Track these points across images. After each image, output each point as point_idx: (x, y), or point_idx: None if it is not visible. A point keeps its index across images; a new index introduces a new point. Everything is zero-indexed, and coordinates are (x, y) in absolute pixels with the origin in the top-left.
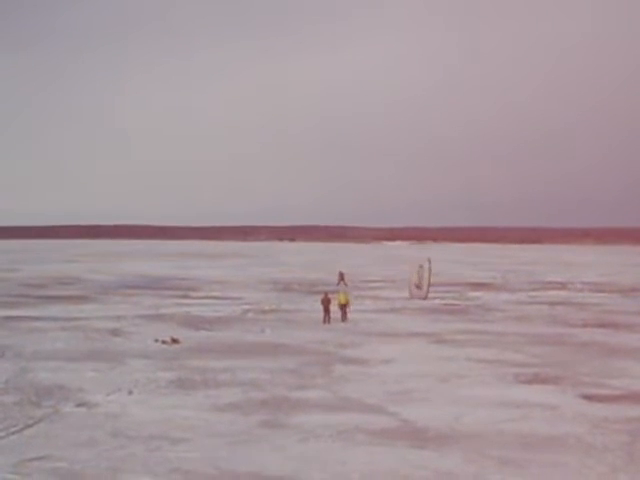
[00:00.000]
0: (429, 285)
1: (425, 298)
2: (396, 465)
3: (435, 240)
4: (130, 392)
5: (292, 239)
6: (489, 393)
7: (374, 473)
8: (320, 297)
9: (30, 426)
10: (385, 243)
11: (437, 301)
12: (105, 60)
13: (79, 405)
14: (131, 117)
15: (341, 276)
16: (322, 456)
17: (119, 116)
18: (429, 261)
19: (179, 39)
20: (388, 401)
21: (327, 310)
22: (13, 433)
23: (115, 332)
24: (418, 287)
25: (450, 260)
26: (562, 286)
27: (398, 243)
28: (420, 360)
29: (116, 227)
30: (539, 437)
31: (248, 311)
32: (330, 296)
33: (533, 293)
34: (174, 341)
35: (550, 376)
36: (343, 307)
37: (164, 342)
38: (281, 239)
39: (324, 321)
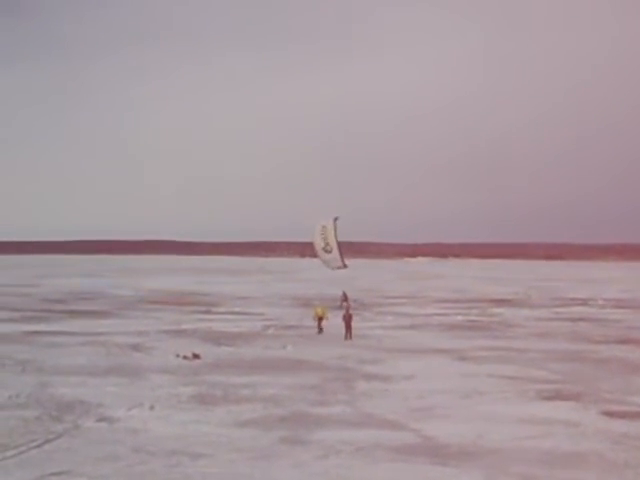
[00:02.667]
0: (339, 248)
1: (344, 266)
2: None
3: (457, 256)
4: (151, 407)
5: (313, 255)
6: (511, 410)
7: None
8: (341, 313)
9: (50, 441)
10: (407, 259)
11: (459, 317)
12: (122, 74)
13: (100, 420)
14: (153, 132)
15: (344, 297)
16: (343, 472)
17: (141, 131)
18: (335, 219)
19: (196, 52)
20: (410, 417)
21: (348, 326)
22: (33, 448)
23: (136, 347)
24: (326, 250)
25: (472, 276)
26: (584, 302)
27: (420, 259)
28: (442, 376)
29: (138, 242)
30: (560, 453)
31: (269, 327)
32: (352, 312)
33: (555, 309)
34: (195, 356)
35: (572, 393)
36: (320, 320)
37: (185, 357)
38: (303, 255)
39: (345, 337)
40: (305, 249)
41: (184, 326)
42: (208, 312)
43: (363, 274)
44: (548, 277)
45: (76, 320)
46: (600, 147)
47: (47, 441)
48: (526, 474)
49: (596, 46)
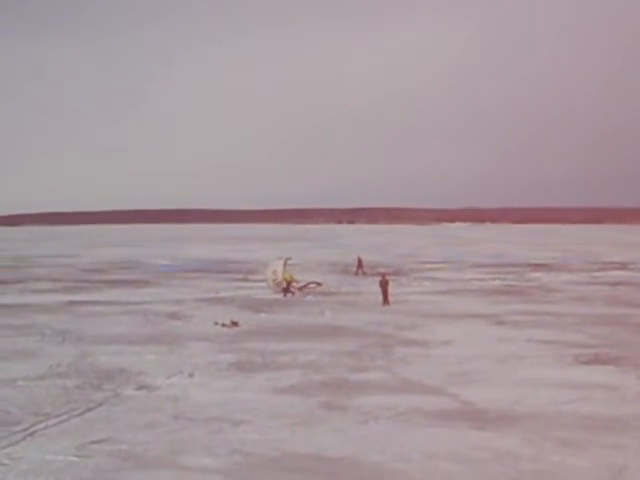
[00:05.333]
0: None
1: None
2: (456, 446)
3: (494, 221)
4: (190, 375)
5: (351, 221)
6: (549, 374)
7: (434, 454)
8: (378, 279)
9: (91, 409)
10: (444, 224)
11: (497, 282)
12: (155, 46)
13: (140, 388)
14: (185, 103)
15: (359, 263)
16: (382, 438)
17: (173, 102)
18: (285, 261)
19: (232, 21)
20: (448, 382)
21: (385, 292)
22: (75, 416)
23: (175, 315)
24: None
25: (509, 241)
26: (623, 266)
27: (457, 224)
28: (480, 341)
29: (176, 211)
30: (599, 418)
31: (307, 293)
32: (388, 278)
33: (593, 273)
34: (234, 324)
35: (611, 357)
36: (288, 284)
37: (224, 325)
38: (340, 221)
39: (383, 303)
40: (341, 215)
41: (222, 294)
42: (245, 279)
43: (400, 240)
44: (586, 241)
45: (115, 289)
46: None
47: (88, 410)
48: (565, 439)
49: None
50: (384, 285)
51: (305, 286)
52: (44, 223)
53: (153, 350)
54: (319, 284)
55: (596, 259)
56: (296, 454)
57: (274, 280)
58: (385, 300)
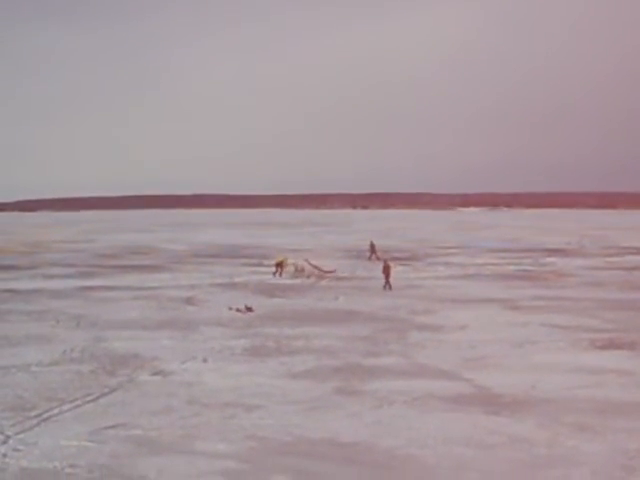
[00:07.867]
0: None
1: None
2: (470, 431)
3: (509, 206)
4: (205, 360)
5: (365, 206)
6: (564, 359)
7: (448, 439)
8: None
9: (106, 394)
10: (459, 209)
11: (511, 267)
12: (175, 30)
13: (154, 373)
14: (203, 84)
15: (372, 248)
16: (396, 422)
17: (190, 87)
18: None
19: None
20: (462, 367)
21: (387, 277)
22: (89, 402)
23: (189, 301)
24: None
25: (524, 226)
26: (638, 251)
27: (471, 209)
28: (494, 326)
29: (191, 196)
30: (614, 403)
31: (322, 279)
32: (389, 263)
33: (609, 259)
34: (248, 309)
35: (625, 342)
36: (278, 266)
37: (238, 310)
38: (355, 207)
39: (384, 287)
40: (356, 200)
41: (236, 279)
42: (260, 265)
43: (415, 225)
44: (601, 226)
45: (129, 275)
46: None
47: (102, 395)
48: (580, 423)
49: None
50: (386, 270)
51: (322, 273)
52: (60, 208)
53: (167, 335)
54: (332, 272)
55: (611, 244)
56: (310, 439)
57: (292, 264)
58: (387, 285)
